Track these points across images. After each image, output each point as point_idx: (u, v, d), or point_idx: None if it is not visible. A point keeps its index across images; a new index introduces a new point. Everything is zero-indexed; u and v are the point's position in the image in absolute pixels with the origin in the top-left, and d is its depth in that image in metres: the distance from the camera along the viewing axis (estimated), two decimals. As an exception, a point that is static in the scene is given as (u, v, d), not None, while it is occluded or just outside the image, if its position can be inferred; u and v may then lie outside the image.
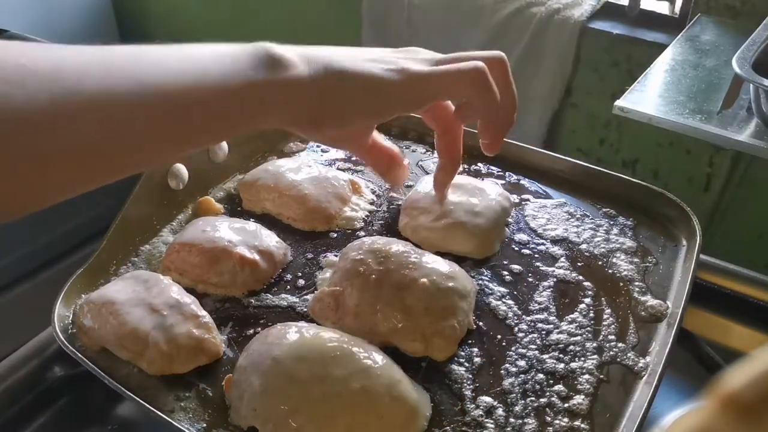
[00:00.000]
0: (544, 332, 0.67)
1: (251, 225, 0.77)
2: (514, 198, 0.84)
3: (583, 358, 0.64)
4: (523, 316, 0.69)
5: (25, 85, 0.39)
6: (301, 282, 0.74)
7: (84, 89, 0.42)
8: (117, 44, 0.46)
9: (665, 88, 1.24)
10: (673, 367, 0.63)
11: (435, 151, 0.93)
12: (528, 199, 0.84)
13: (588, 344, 0.66)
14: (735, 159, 1.53)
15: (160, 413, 0.59)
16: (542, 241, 0.78)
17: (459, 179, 0.82)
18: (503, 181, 0.88)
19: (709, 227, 1.64)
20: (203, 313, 0.67)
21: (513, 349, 0.66)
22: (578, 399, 0.61)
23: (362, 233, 0.80)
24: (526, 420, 0.59)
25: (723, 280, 0.80)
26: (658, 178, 1.67)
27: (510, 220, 0.80)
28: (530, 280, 0.73)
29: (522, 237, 0.79)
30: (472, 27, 1.71)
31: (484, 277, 0.74)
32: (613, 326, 0.68)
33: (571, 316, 0.69)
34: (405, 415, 0.58)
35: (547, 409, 0.60)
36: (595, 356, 0.65)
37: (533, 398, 0.61)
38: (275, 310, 0.71)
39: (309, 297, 0.71)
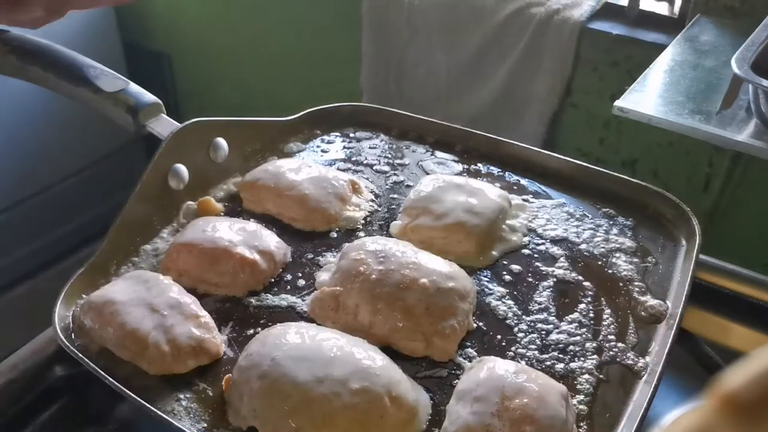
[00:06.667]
0: (543, 332, 0.67)
1: (251, 225, 0.77)
2: (514, 198, 0.84)
3: (582, 358, 0.65)
4: (523, 317, 0.69)
5: None
6: (301, 282, 0.74)
7: None
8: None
9: (664, 89, 1.24)
10: (673, 367, 0.63)
11: (435, 152, 0.93)
12: (528, 199, 0.84)
13: (588, 344, 0.66)
14: (734, 159, 1.53)
15: (160, 413, 0.59)
16: (542, 241, 0.78)
17: (458, 179, 0.83)
18: (503, 182, 0.88)
19: (709, 227, 1.64)
20: (203, 313, 0.67)
21: (513, 349, 0.66)
22: (578, 399, 0.61)
23: (362, 233, 0.80)
24: (525, 420, 0.59)
25: (722, 279, 0.80)
26: (657, 178, 1.67)
27: (517, 223, 0.80)
28: (530, 280, 0.73)
29: (522, 237, 0.79)
30: (472, 27, 1.71)
31: (484, 277, 0.74)
32: (612, 326, 0.68)
33: (571, 316, 0.69)
34: (405, 415, 0.58)
35: (546, 408, 0.60)
36: (595, 356, 0.65)
37: (533, 398, 0.61)
38: (275, 310, 0.71)
39: (309, 297, 0.71)
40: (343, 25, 2.00)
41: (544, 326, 0.68)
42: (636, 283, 0.73)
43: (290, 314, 0.70)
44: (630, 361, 0.64)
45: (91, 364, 0.62)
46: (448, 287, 0.67)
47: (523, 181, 0.88)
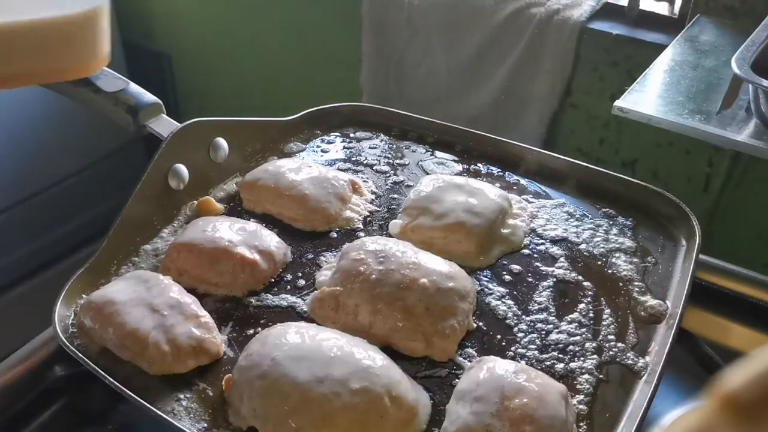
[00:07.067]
0: (543, 332, 0.67)
1: (251, 225, 0.77)
2: (514, 198, 0.84)
3: (582, 358, 0.65)
4: (523, 316, 0.69)
5: None
6: (301, 282, 0.74)
7: None
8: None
9: (664, 89, 1.24)
10: (673, 367, 0.63)
11: (435, 152, 0.94)
12: (528, 199, 0.84)
13: (587, 344, 0.66)
14: (734, 159, 1.53)
15: (160, 413, 0.59)
16: (542, 241, 0.78)
17: (458, 179, 0.83)
18: (503, 182, 0.88)
19: (708, 227, 1.63)
20: (203, 313, 0.67)
21: (512, 349, 0.66)
22: (578, 399, 0.61)
23: (362, 233, 0.80)
24: (525, 420, 0.59)
25: (722, 279, 0.80)
26: (657, 178, 1.67)
27: (517, 223, 0.80)
28: (530, 280, 0.73)
29: (522, 237, 0.79)
30: (472, 27, 1.71)
31: (484, 277, 0.74)
32: (612, 326, 0.68)
33: (571, 316, 0.69)
34: (404, 415, 0.58)
35: (546, 408, 0.60)
36: (595, 356, 0.65)
37: (533, 398, 0.61)
38: (275, 310, 0.71)
39: (309, 297, 0.71)
40: (343, 25, 2.00)
41: (544, 326, 0.68)
42: (636, 283, 0.73)
43: (290, 314, 0.70)
44: (630, 361, 0.64)
45: (91, 364, 0.62)
46: (448, 287, 0.67)
47: (523, 181, 0.88)
